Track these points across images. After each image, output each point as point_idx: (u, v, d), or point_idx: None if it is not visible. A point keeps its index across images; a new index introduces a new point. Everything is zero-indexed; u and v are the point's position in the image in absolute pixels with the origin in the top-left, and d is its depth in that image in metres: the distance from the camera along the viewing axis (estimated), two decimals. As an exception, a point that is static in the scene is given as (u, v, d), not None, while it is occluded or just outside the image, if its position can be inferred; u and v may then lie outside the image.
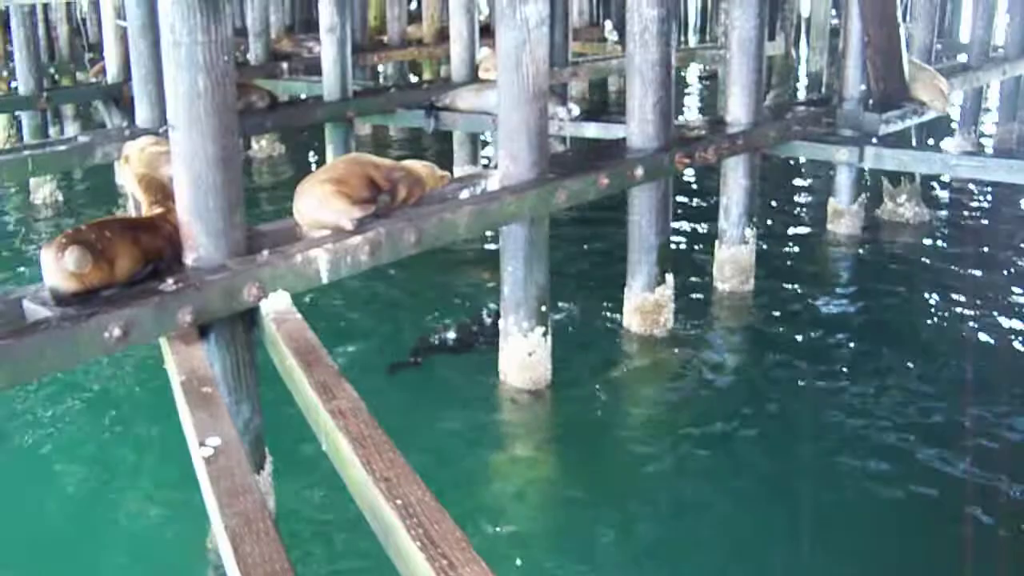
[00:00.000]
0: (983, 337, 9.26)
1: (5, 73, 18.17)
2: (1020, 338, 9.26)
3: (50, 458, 7.32)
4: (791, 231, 12.87)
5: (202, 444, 4.39)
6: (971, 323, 9.60)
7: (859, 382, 8.39)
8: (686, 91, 25.87)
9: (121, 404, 8.17)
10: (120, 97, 14.96)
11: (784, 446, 7.39)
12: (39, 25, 18.19)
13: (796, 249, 12.11)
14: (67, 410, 8.02)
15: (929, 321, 9.70)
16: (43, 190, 14.87)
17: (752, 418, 7.83)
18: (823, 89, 20.57)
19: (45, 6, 20.77)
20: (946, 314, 9.87)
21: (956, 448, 7.31)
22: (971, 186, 14.59)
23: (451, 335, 9.17)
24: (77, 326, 4.89)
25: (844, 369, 8.65)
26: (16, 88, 15.88)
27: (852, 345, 9.16)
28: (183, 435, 4.82)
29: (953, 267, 11.33)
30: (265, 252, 5.89)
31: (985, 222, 13.24)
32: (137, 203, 7.11)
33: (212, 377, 5.19)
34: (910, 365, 8.70)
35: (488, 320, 9.20)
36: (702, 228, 12.57)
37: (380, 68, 21.85)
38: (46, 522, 6.60)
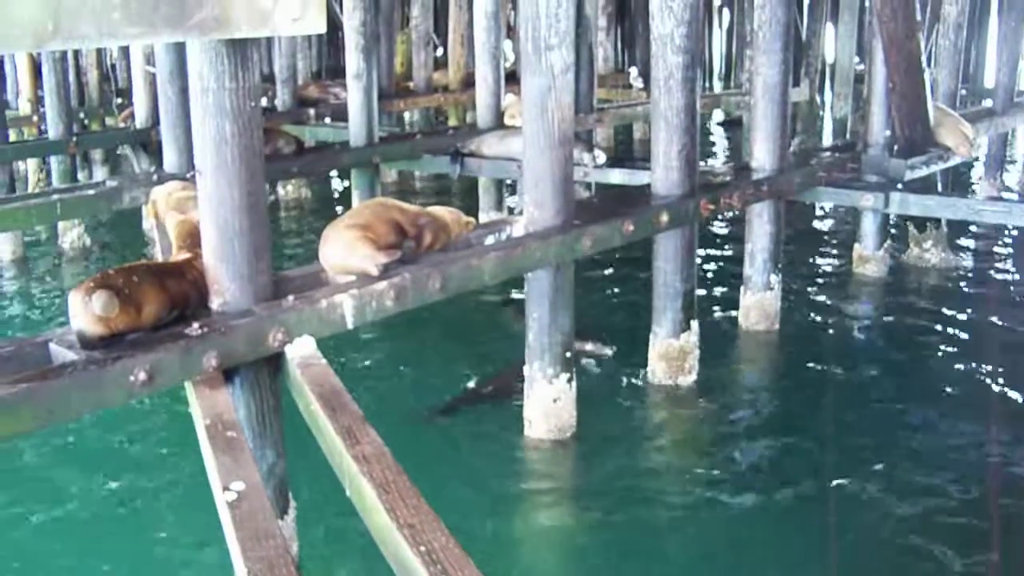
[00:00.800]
0: (1012, 383, 9.17)
1: (36, 118, 18.37)
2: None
3: (73, 501, 7.32)
4: (817, 277, 12.82)
5: (226, 489, 4.38)
6: (1000, 369, 9.51)
7: (887, 433, 8.29)
8: (711, 137, 25.92)
9: (147, 447, 8.18)
10: (148, 142, 15.12)
11: (815, 499, 7.27)
12: (69, 71, 18.36)
13: (822, 295, 12.05)
14: (89, 452, 8.04)
15: (958, 368, 9.60)
16: (71, 234, 14.99)
17: (780, 471, 7.72)
18: (848, 135, 20.53)
19: (76, 52, 21.01)
20: (974, 362, 9.77)
21: (989, 491, 7.23)
22: (997, 231, 14.52)
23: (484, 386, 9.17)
24: (103, 370, 4.91)
25: (871, 421, 8.55)
26: (46, 132, 16.04)
27: (879, 395, 9.07)
28: (207, 479, 4.81)
29: (980, 313, 11.25)
30: (290, 297, 5.91)
31: (1012, 267, 13.16)
32: (164, 247, 7.16)
33: (236, 422, 5.19)
34: (941, 413, 8.62)
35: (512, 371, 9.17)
36: (727, 274, 12.54)
37: (406, 114, 21.98)
38: (65, 564, 6.59)
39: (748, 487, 7.45)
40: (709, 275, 12.63)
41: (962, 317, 11.11)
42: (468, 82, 19.10)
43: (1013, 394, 8.97)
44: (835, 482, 7.45)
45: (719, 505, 7.24)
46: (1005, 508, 7.03)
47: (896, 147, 11.36)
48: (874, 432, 8.30)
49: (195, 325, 5.44)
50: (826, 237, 15.15)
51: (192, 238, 6.27)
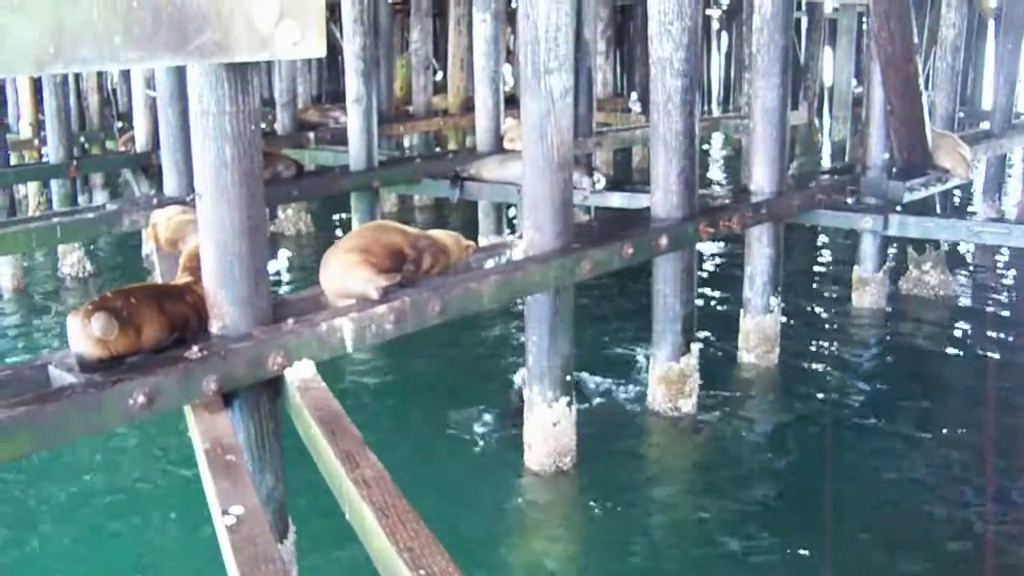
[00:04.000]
0: (1013, 408, 9.16)
1: (36, 141, 18.40)
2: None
3: (71, 527, 7.30)
4: (816, 299, 12.83)
5: (225, 513, 4.36)
6: (1000, 393, 9.51)
7: (887, 464, 8.26)
8: (710, 160, 25.96)
9: (146, 471, 8.17)
10: (148, 166, 15.12)
11: (812, 531, 7.23)
12: (70, 94, 18.41)
13: (821, 318, 12.06)
14: (90, 477, 8.02)
15: (957, 392, 9.62)
16: (71, 257, 14.99)
17: (778, 500, 7.71)
18: (846, 157, 20.58)
19: (77, 76, 21.06)
20: (974, 385, 9.79)
21: (993, 529, 7.20)
22: (996, 253, 14.54)
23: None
24: (102, 393, 4.90)
25: (872, 449, 8.50)
26: (47, 156, 16.08)
27: (880, 419, 9.05)
28: (206, 503, 4.80)
29: (980, 335, 11.28)
30: (290, 321, 5.90)
31: (1011, 288, 13.18)
32: (164, 271, 7.16)
33: (236, 445, 5.17)
34: (940, 441, 8.60)
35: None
36: (727, 297, 12.53)
37: (405, 138, 22.02)
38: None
39: (749, 518, 7.43)
40: (709, 299, 12.62)
41: (962, 341, 11.13)
42: (467, 106, 19.15)
43: (1015, 420, 8.96)
44: (831, 515, 7.41)
45: (719, 534, 7.22)
46: (999, 549, 6.99)
47: (895, 169, 11.38)
48: (871, 466, 8.27)
49: (195, 348, 5.44)
50: (825, 259, 15.17)
51: (195, 260, 6.27)
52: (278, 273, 14.43)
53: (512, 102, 14.74)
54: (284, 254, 15.18)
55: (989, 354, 10.67)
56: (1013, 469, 8.07)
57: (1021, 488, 7.78)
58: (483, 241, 13.18)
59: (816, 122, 26.39)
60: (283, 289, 13.04)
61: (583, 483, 7.88)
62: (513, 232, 14.39)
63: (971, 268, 14.17)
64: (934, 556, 6.93)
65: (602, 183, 11.57)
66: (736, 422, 9.07)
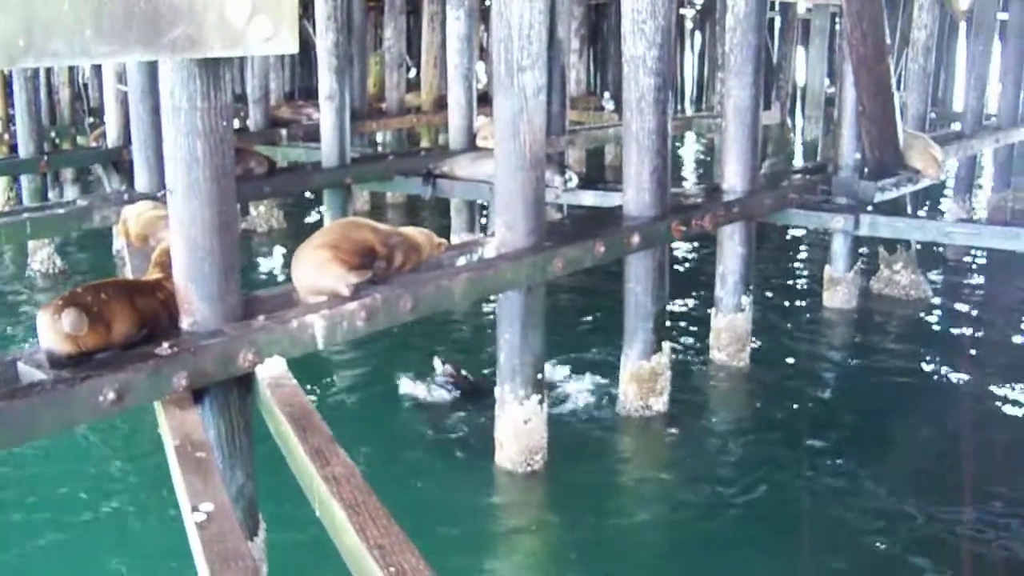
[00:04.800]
0: (982, 410, 9.23)
1: (6, 136, 18.26)
2: (1017, 407, 9.24)
3: (40, 521, 7.25)
4: (787, 299, 12.88)
5: (195, 509, 4.35)
6: (969, 395, 9.58)
7: (855, 463, 8.26)
8: (682, 159, 26.03)
9: (114, 467, 8.12)
10: (119, 161, 15.01)
11: (781, 530, 7.28)
12: (41, 89, 18.27)
13: (793, 317, 12.11)
14: (59, 472, 7.97)
15: (925, 392, 9.67)
16: (41, 253, 14.86)
17: (747, 499, 7.71)
18: (818, 157, 20.68)
19: (47, 70, 20.92)
20: (943, 386, 9.85)
21: (955, 534, 7.21)
22: (966, 253, 14.64)
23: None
24: (71, 389, 4.87)
25: (841, 448, 8.53)
26: (17, 151, 15.95)
27: (850, 422, 9.09)
28: (176, 500, 4.78)
29: (949, 334, 11.37)
30: (261, 317, 5.89)
31: (980, 288, 13.29)
32: (135, 268, 7.12)
33: (206, 442, 5.15)
34: (907, 441, 8.65)
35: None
36: (698, 295, 12.57)
37: (378, 135, 21.99)
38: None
39: (718, 516, 7.46)
40: (680, 298, 12.64)
41: (931, 341, 11.22)
42: (440, 103, 19.12)
43: (983, 423, 9.02)
44: (796, 518, 7.44)
45: (688, 533, 7.26)
46: (969, 553, 7.01)
47: (866, 169, 11.43)
48: (845, 460, 8.31)
49: (165, 345, 5.42)
50: (797, 259, 15.23)
51: (169, 257, 6.23)
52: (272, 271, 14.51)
53: (485, 100, 14.74)
54: (279, 251, 15.17)
55: (958, 354, 10.74)
56: (981, 471, 8.10)
57: (990, 492, 7.81)
58: (455, 239, 13.17)
59: (788, 122, 26.53)
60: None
61: (554, 481, 7.88)
62: (485, 230, 14.39)
63: (942, 268, 14.25)
64: (901, 558, 6.96)
65: (574, 181, 11.59)
66: (707, 421, 9.11)
